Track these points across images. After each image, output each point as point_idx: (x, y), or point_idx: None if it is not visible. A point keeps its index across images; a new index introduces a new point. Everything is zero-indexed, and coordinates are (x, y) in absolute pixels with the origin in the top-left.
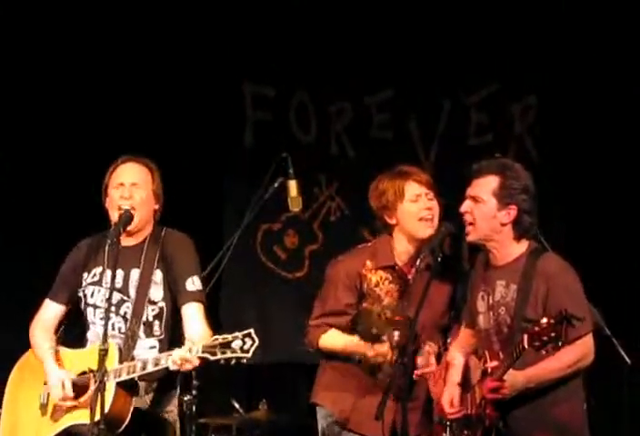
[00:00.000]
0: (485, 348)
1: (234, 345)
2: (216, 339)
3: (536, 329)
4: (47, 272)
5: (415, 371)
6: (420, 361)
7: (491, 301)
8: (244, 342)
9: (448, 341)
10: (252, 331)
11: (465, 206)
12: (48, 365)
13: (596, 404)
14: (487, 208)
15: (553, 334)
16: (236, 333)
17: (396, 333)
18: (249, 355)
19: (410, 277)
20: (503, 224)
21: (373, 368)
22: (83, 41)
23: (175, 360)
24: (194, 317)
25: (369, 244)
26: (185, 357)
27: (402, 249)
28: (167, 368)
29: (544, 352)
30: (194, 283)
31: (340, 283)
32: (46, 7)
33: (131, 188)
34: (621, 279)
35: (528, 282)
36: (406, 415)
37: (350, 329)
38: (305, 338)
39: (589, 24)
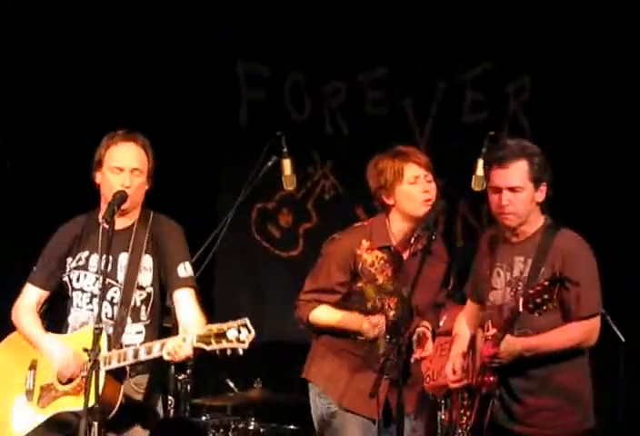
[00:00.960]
0: (493, 318)
1: (229, 335)
2: (211, 329)
3: (531, 291)
4: (28, 254)
5: (413, 356)
6: (416, 345)
7: (509, 277)
8: (239, 332)
9: (443, 318)
10: (247, 320)
11: (506, 199)
12: (44, 340)
13: (592, 381)
14: (527, 194)
15: (545, 296)
16: (232, 323)
17: (391, 313)
18: (245, 345)
19: (405, 257)
20: (538, 203)
21: (370, 342)
22: (77, 23)
23: (169, 350)
24: (187, 303)
25: (365, 223)
26: (179, 347)
27: (397, 229)
28: (160, 357)
29: (536, 315)
30: (185, 269)
31: (334, 262)
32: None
33: (131, 175)
34: (617, 257)
35: (543, 257)
36: (402, 394)
37: (340, 307)
38: (296, 313)
39: (583, 4)
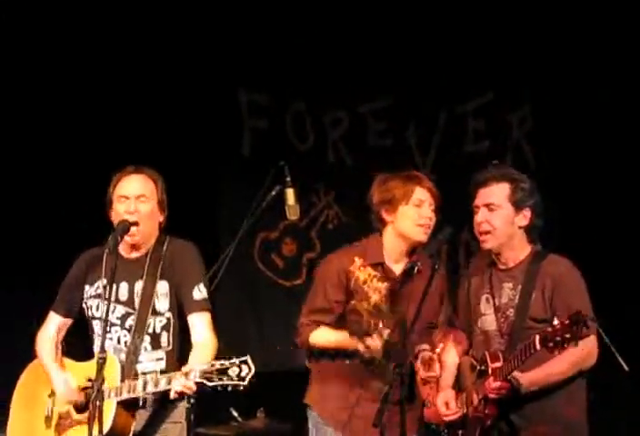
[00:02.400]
0: (486, 349)
1: (230, 372)
2: (213, 365)
3: (550, 329)
4: (49, 283)
5: (420, 376)
6: (422, 367)
7: (497, 303)
8: (240, 369)
9: (437, 339)
10: (248, 358)
11: (482, 216)
12: (53, 370)
13: (596, 411)
14: (504, 214)
15: (568, 335)
16: (234, 360)
17: (386, 332)
18: (245, 383)
19: (398, 276)
20: (520, 228)
21: (368, 362)
22: (80, 51)
23: (176, 390)
24: (200, 326)
25: (359, 243)
26: (183, 382)
27: (391, 247)
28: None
29: (557, 353)
30: (200, 292)
31: (328, 281)
32: (38, 23)
33: (136, 202)
34: (617, 285)
35: (532, 282)
36: (405, 420)
37: (338, 326)
38: (296, 338)
39: (582, 33)
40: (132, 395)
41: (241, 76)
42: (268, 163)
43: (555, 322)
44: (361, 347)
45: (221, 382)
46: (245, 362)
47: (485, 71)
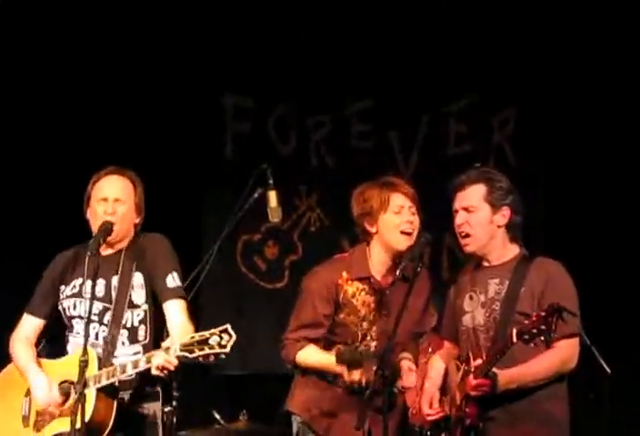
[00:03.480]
0: (470, 347)
1: (211, 341)
2: (193, 337)
3: (526, 322)
4: (25, 284)
5: (398, 386)
6: (403, 377)
7: (483, 298)
8: (221, 338)
9: (423, 343)
10: (228, 326)
11: (460, 218)
12: (31, 371)
13: (577, 414)
14: (482, 215)
15: (543, 327)
16: (213, 329)
17: (374, 338)
18: (227, 350)
19: (386, 288)
20: (499, 227)
21: (349, 387)
22: (66, 55)
23: (157, 365)
24: (175, 314)
25: (346, 254)
26: (164, 357)
27: (378, 259)
28: (148, 370)
29: (532, 345)
30: (174, 279)
31: (317, 294)
32: (26, 27)
33: (114, 204)
34: (600, 287)
35: (521, 279)
36: (387, 426)
37: (326, 341)
38: (282, 352)
39: (568, 35)
40: (111, 380)
41: (225, 80)
42: (251, 166)
43: (534, 313)
44: (346, 377)
45: (202, 352)
46: (225, 331)
47: (467, 73)
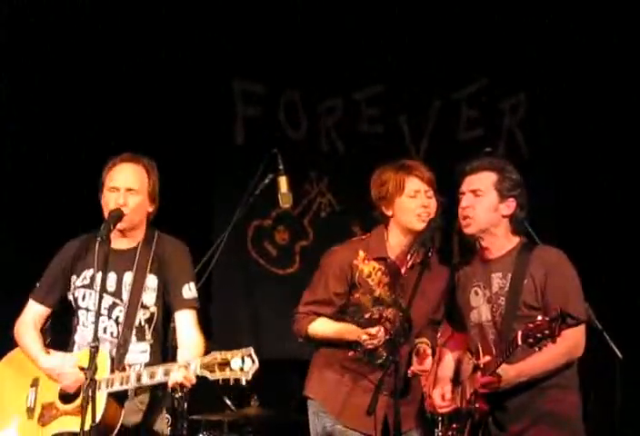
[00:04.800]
0: (479, 342)
1: (233, 365)
2: (215, 357)
3: (531, 325)
4: (35, 269)
5: (411, 369)
6: (416, 359)
7: (488, 293)
8: (243, 362)
9: (438, 335)
10: (252, 350)
11: (467, 201)
12: (41, 356)
13: (589, 398)
14: (489, 200)
15: (547, 331)
16: (236, 351)
17: (390, 319)
18: (249, 376)
19: (403, 270)
20: (504, 217)
21: (370, 353)
22: (76, 42)
23: (176, 381)
24: (188, 324)
25: (364, 236)
26: (183, 374)
27: (395, 242)
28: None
29: (536, 349)
30: (190, 290)
31: (331, 273)
32: (36, 20)
33: (126, 194)
34: (612, 274)
35: (523, 270)
36: (399, 411)
37: (337, 318)
38: (293, 326)
39: (578, 20)
40: (124, 387)
41: (235, 65)
42: (261, 152)
43: (539, 317)
44: (364, 335)
45: (223, 375)
46: (250, 356)
47: (478, 58)
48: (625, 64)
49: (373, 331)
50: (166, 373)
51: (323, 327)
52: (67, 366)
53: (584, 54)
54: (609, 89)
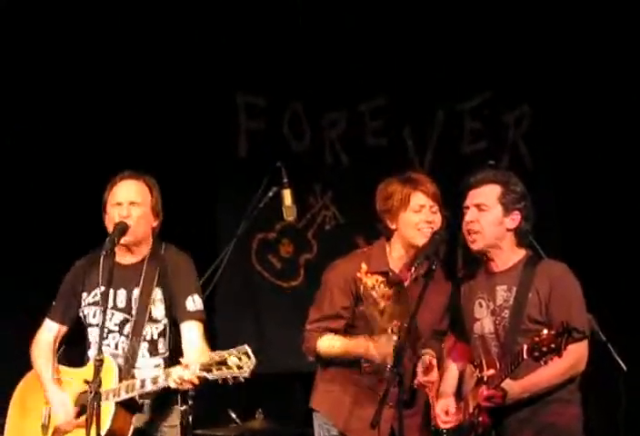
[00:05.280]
0: (483, 355)
1: (230, 363)
2: (213, 357)
3: (536, 339)
4: (47, 289)
5: (417, 380)
6: (421, 370)
7: (492, 306)
8: (240, 360)
9: (443, 346)
10: (247, 348)
11: (471, 215)
12: (50, 389)
13: (593, 411)
14: (494, 215)
15: (553, 345)
16: (233, 350)
17: (395, 332)
18: (246, 373)
19: (406, 283)
20: (508, 230)
21: (378, 368)
22: (78, 53)
23: (175, 380)
24: (192, 336)
25: (365, 249)
26: (183, 376)
27: (397, 255)
28: (167, 386)
29: (542, 363)
30: (194, 302)
31: (335, 287)
32: (34, 28)
33: (129, 207)
34: (616, 285)
35: (528, 284)
36: (402, 423)
37: (346, 332)
38: (303, 345)
39: (582, 32)
40: (130, 394)
41: (238, 79)
42: (265, 165)
43: (545, 331)
44: (372, 347)
45: (221, 373)
46: (245, 353)
47: (482, 70)
48: (628, 77)
49: (381, 339)
50: (167, 377)
51: (331, 342)
52: (62, 410)
53: (588, 67)
54: (613, 101)
